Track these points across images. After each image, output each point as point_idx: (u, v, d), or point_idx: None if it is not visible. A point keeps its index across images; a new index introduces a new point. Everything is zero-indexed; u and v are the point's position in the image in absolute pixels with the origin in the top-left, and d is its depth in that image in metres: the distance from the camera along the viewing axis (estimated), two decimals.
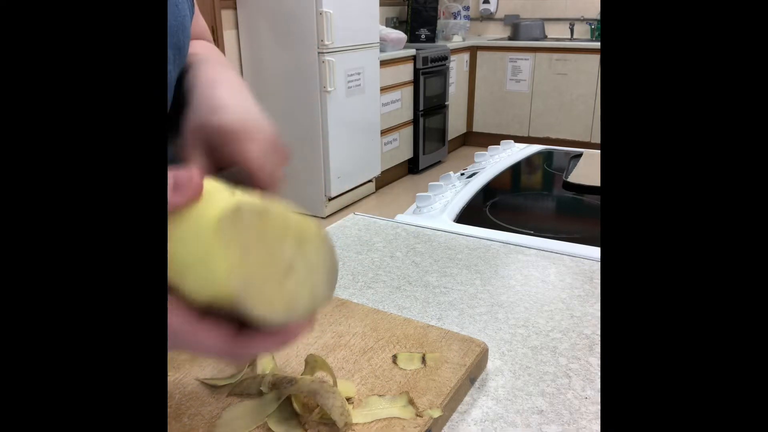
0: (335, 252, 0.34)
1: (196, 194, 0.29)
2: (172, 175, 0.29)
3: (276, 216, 0.31)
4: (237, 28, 3.17)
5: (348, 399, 0.42)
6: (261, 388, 0.41)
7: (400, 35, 3.75)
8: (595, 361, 0.50)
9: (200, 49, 0.55)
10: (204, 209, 0.29)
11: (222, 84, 0.44)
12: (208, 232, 0.28)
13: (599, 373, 0.48)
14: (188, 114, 0.42)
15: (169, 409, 0.41)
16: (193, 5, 0.53)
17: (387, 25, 4.27)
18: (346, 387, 0.43)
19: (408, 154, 4.04)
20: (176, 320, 0.29)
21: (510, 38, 4.72)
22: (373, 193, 3.76)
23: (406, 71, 3.80)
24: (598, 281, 0.64)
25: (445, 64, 4.13)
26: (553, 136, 4.47)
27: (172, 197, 0.29)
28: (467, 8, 4.75)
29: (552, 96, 4.43)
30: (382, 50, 3.51)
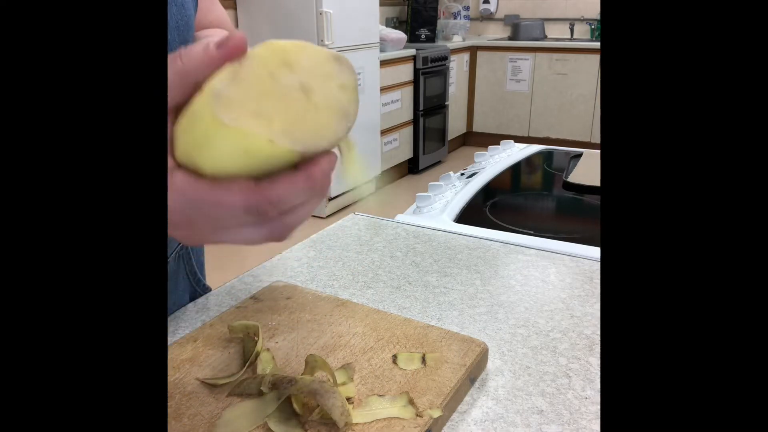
0: (330, 53, 0.32)
1: (240, 49, 0.29)
2: (210, 38, 0.29)
3: (250, 64, 0.30)
4: (237, 28, 3.17)
5: (348, 399, 0.42)
6: (261, 388, 0.41)
7: (400, 35, 3.75)
8: (595, 361, 0.50)
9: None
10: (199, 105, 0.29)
11: (216, 5, 0.43)
12: (215, 123, 0.28)
13: (599, 373, 0.48)
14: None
15: (169, 409, 0.41)
16: (196, 3, 0.53)
17: (387, 25, 4.27)
18: (346, 387, 0.43)
19: (408, 154, 4.03)
20: (191, 190, 0.29)
21: (510, 38, 4.72)
22: (373, 193, 3.75)
23: (406, 71, 3.80)
24: (598, 281, 0.64)
25: (445, 64, 4.13)
26: (553, 136, 4.47)
27: (216, 51, 0.29)
28: (467, 8, 4.75)
29: (552, 96, 4.43)
30: (382, 50, 3.51)
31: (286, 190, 0.30)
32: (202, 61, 0.29)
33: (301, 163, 0.30)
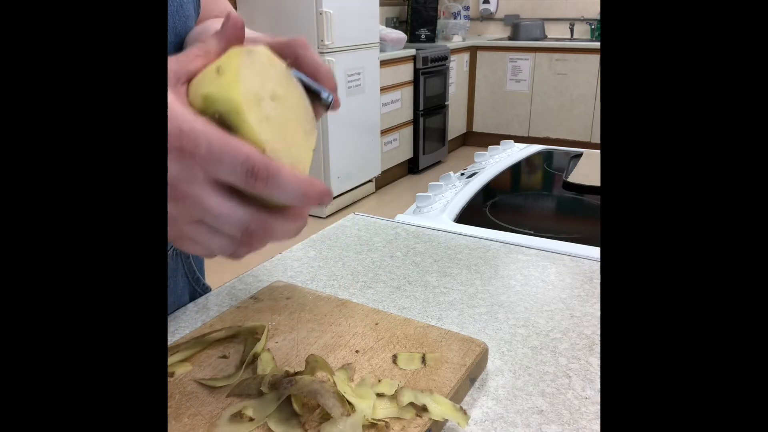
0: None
1: (239, 30, 0.34)
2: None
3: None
4: None
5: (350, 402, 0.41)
6: (261, 388, 0.41)
7: (400, 35, 3.75)
8: (595, 361, 0.50)
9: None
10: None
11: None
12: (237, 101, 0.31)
13: (599, 373, 0.48)
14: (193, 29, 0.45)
15: (169, 409, 0.41)
16: (198, 6, 0.53)
17: (387, 25, 4.28)
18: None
19: (408, 154, 4.04)
20: (204, 128, 0.30)
21: (510, 38, 4.72)
22: (373, 193, 3.76)
23: (406, 71, 3.80)
24: (598, 281, 0.64)
25: (445, 64, 4.14)
26: (553, 136, 4.47)
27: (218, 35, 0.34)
28: (467, 8, 4.75)
29: (552, 96, 4.43)
30: (382, 50, 3.51)
31: (284, 179, 0.31)
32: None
33: None
